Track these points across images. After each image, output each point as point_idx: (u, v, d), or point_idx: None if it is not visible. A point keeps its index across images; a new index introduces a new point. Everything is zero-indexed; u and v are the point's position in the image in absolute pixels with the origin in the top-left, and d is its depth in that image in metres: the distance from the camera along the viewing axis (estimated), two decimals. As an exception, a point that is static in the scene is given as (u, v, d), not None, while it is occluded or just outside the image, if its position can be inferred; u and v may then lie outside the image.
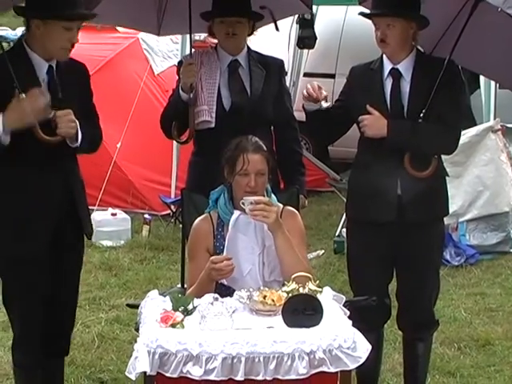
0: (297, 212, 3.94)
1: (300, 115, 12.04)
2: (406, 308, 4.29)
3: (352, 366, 3.09)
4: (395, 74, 4.07)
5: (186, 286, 3.91)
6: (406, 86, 4.07)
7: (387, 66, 4.10)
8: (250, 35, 4.76)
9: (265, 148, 3.81)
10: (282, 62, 4.89)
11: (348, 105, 4.17)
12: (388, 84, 4.08)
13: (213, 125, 4.54)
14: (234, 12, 4.53)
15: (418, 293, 4.23)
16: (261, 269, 3.73)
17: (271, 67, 4.72)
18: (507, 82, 4.37)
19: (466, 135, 7.26)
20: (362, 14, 4.12)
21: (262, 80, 4.64)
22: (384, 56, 4.12)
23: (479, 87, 7.85)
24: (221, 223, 3.80)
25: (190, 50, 5.04)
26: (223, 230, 3.79)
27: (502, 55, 4.23)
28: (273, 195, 3.88)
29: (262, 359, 3.03)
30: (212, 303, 3.27)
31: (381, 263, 4.19)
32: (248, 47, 4.74)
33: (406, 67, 4.08)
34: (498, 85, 7.63)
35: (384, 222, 4.06)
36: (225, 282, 3.70)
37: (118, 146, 8.46)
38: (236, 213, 3.76)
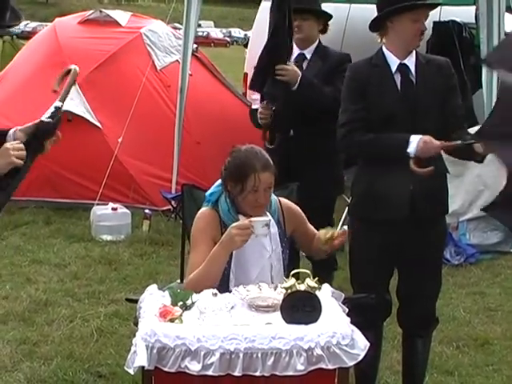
0: (291, 202, 4.00)
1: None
2: (408, 304, 4.29)
3: (350, 363, 3.09)
4: (404, 69, 4.09)
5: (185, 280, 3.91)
6: (413, 80, 4.10)
7: (393, 61, 4.10)
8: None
9: (271, 162, 3.77)
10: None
11: (368, 107, 4.12)
12: (397, 79, 4.09)
13: None
14: None
15: (421, 289, 4.24)
16: (270, 271, 3.74)
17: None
18: None
19: (468, 134, 7.26)
20: (406, 6, 4.01)
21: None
22: (386, 51, 4.12)
23: (481, 87, 7.85)
24: (223, 224, 3.76)
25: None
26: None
27: None
28: (272, 193, 3.89)
29: (259, 355, 3.02)
30: (211, 299, 3.28)
31: (383, 260, 4.19)
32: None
33: (411, 62, 4.11)
34: (499, 84, 7.63)
35: (395, 220, 4.07)
36: (232, 288, 3.68)
37: (120, 140, 8.47)
38: (242, 218, 3.73)
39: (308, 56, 5.26)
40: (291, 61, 5.17)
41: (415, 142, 3.93)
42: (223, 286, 3.68)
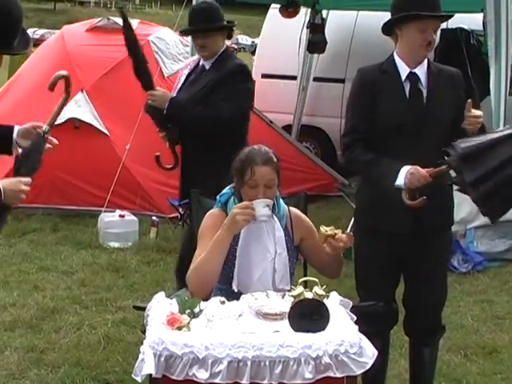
0: (300, 212, 4.01)
1: (308, 120, 12.05)
2: (414, 313, 4.28)
3: (358, 371, 3.08)
4: (413, 78, 4.05)
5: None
6: (423, 91, 4.06)
7: (403, 69, 4.07)
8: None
9: (275, 159, 3.80)
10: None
11: (372, 113, 4.05)
12: (406, 88, 4.06)
13: None
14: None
15: (428, 298, 4.22)
16: (272, 275, 3.74)
17: None
18: None
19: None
20: (411, 15, 3.98)
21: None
22: (397, 58, 4.08)
23: (489, 94, 7.84)
24: None
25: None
26: None
27: None
28: (280, 200, 3.89)
29: (267, 363, 3.02)
30: (219, 306, 3.28)
31: (390, 269, 4.18)
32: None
33: (422, 72, 4.08)
34: (507, 91, 7.63)
35: (402, 233, 4.05)
36: (235, 288, 3.70)
37: (127, 147, 8.48)
38: None
39: (207, 67, 5.11)
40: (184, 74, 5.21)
41: (403, 173, 3.90)
42: (227, 286, 3.74)
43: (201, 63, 5.18)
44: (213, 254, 3.62)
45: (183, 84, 5.19)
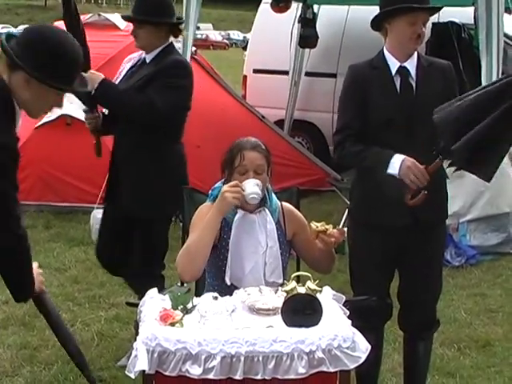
0: (292, 206, 4.01)
1: (301, 114, 12.02)
2: (410, 308, 4.28)
3: (351, 365, 3.08)
4: (403, 71, 4.05)
5: (185, 284, 3.91)
6: (413, 85, 4.06)
7: (393, 63, 4.06)
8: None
9: (263, 146, 3.82)
10: None
11: (364, 110, 4.05)
12: (396, 82, 4.06)
13: None
14: None
15: (423, 293, 4.22)
16: (263, 268, 3.75)
17: None
18: None
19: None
20: (401, 8, 3.97)
21: None
22: (386, 53, 4.08)
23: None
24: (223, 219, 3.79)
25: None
26: (226, 226, 3.78)
27: None
28: (273, 194, 3.89)
29: (261, 359, 3.02)
30: (211, 302, 3.28)
31: (385, 264, 4.18)
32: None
33: (412, 65, 4.07)
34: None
35: (398, 227, 4.05)
36: (228, 281, 3.70)
37: (119, 144, 8.46)
38: (240, 212, 3.77)
39: (148, 60, 5.05)
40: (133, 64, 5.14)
41: (397, 163, 3.88)
42: (219, 281, 3.75)
43: (142, 56, 5.13)
44: (203, 234, 3.64)
45: (123, 77, 5.14)
